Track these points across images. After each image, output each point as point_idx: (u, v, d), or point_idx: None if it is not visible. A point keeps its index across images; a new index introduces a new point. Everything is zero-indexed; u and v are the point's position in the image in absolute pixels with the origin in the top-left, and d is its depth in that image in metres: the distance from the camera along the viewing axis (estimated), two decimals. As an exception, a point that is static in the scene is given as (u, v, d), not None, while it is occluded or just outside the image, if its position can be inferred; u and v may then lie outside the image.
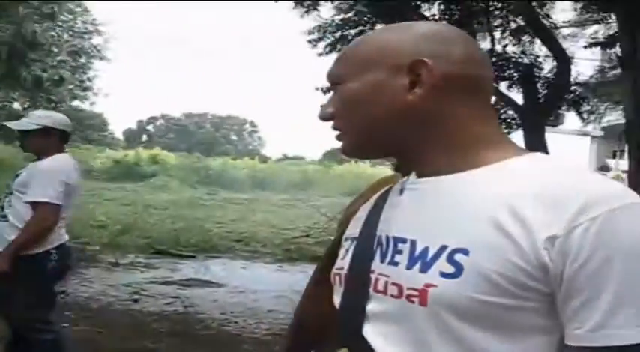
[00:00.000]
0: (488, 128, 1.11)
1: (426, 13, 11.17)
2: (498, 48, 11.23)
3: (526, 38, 11.30)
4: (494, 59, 10.86)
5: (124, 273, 8.85)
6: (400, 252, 1.05)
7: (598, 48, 11.76)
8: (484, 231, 0.96)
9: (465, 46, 1.12)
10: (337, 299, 1.16)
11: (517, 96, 10.71)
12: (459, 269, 0.96)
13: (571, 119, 13.93)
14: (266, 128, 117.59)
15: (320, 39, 11.16)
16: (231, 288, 8.54)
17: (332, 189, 28.30)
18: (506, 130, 11.70)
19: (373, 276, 1.08)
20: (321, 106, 1.18)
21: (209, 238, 12.79)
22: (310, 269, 7.74)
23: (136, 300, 7.41)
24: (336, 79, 1.16)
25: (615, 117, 18.82)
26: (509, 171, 1.03)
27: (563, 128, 17.72)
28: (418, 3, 10.83)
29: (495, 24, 11.22)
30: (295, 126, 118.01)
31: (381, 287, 1.06)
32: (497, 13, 10.88)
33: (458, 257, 0.96)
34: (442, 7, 10.90)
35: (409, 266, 1.02)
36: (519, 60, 10.81)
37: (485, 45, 11.15)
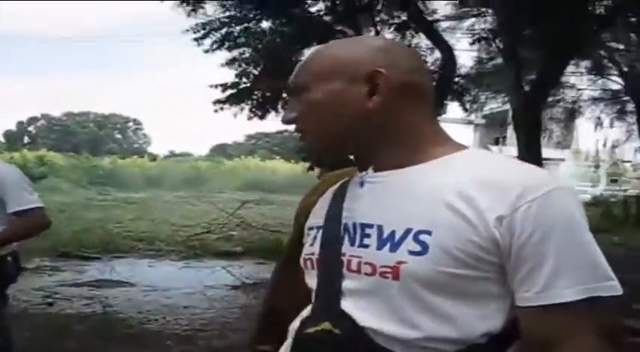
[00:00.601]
0: (434, 127, 1.28)
1: (311, 9, 11.46)
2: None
3: (409, 32, 11.76)
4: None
5: (32, 278, 8.68)
6: (368, 236, 1.18)
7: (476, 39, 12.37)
8: (442, 214, 1.11)
9: (410, 57, 1.30)
10: (311, 281, 1.29)
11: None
12: (424, 248, 1.10)
13: (454, 109, 14.57)
14: (150, 126, 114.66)
15: (205, 36, 11.31)
16: (143, 287, 8.57)
17: (225, 185, 28.41)
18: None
19: (345, 258, 1.20)
20: (285, 111, 1.33)
21: (111, 239, 12.67)
22: (217, 264, 8.13)
23: (50, 304, 7.38)
24: (298, 88, 1.28)
25: (496, 105, 19.88)
26: (455, 163, 1.19)
27: (447, 117, 18.58)
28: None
29: (379, 19, 11.53)
30: (181, 122, 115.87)
31: (354, 267, 1.18)
32: (380, 8, 11.19)
33: (422, 237, 1.11)
34: (328, 2, 11.19)
35: (379, 247, 1.15)
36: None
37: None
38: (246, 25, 11.37)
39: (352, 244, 1.21)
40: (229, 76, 12.08)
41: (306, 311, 1.28)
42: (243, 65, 12.07)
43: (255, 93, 12.15)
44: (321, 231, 1.29)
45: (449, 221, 1.10)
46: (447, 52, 10.17)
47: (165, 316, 6.96)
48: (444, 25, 13.29)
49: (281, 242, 12.36)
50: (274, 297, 1.88)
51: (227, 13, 11.30)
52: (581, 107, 21.68)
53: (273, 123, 20.82)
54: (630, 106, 21.02)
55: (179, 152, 54.36)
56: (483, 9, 11.60)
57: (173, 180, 29.46)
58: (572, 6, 8.62)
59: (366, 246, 1.18)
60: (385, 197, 1.22)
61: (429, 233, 1.11)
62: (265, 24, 11.48)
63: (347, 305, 1.18)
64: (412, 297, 1.12)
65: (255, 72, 12.05)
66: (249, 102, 12.03)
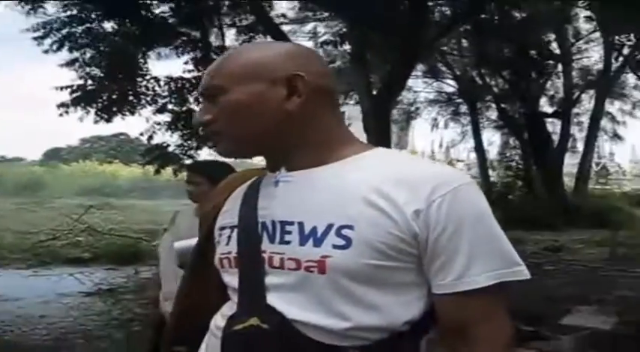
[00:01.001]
0: (343, 128, 1.33)
1: (155, 10, 11.25)
2: (229, 45, 11.62)
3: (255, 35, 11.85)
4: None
5: None
6: (289, 233, 1.20)
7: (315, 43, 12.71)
8: (362, 209, 1.16)
9: (321, 62, 1.36)
10: (230, 279, 1.29)
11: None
12: (348, 242, 1.15)
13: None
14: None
15: (45, 36, 10.88)
16: (-8, 298, 8.17)
17: (64, 190, 27.30)
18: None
19: (266, 255, 1.22)
20: (197, 114, 1.33)
21: (-50, 247, 11.94)
22: (66, 271, 8.01)
23: None
24: (214, 90, 1.27)
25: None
26: (366, 161, 1.25)
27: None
28: (142, 1, 10.83)
29: (227, 21, 11.61)
30: (11, 126, 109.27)
31: (276, 263, 1.20)
32: (226, 10, 11.25)
33: (345, 232, 1.15)
34: (172, 4, 11.04)
35: (302, 243, 1.18)
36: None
37: (218, 42, 11.57)
38: (88, 25, 11.03)
39: (272, 241, 1.23)
40: (69, 78, 11.68)
41: (227, 308, 1.29)
42: (85, 67, 11.71)
43: (102, 95, 11.82)
44: (236, 230, 1.30)
45: (370, 216, 1.15)
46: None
47: (21, 326, 6.73)
48: (286, 28, 13.56)
49: (129, 247, 12.23)
50: (186, 297, 1.78)
51: (68, 13, 10.89)
52: (418, 109, 22.83)
53: (109, 126, 20.19)
54: (464, 108, 22.34)
55: (11, 157, 51.32)
56: (326, 13, 11.90)
57: (7, 186, 27.93)
58: (414, 13, 9.13)
59: (288, 242, 1.20)
60: (302, 195, 1.24)
61: (351, 227, 1.15)
62: (108, 25, 11.18)
63: (273, 300, 1.19)
64: (338, 289, 1.15)
65: (101, 74, 11.73)
66: (95, 104, 11.68)
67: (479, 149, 22.16)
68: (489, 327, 1.19)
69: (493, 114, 21.90)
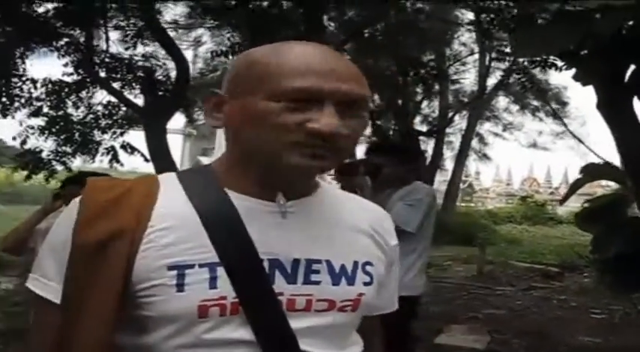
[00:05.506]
0: None
1: (38, 9, 10.72)
2: (114, 49, 11.36)
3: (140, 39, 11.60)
4: (108, 60, 11.02)
5: None
6: (317, 272, 1.14)
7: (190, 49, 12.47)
8: (371, 245, 1.25)
9: None
10: (227, 331, 1.09)
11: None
12: (371, 278, 1.21)
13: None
14: None
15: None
16: None
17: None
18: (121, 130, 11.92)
19: (284, 298, 1.10)
20: (329, 121, 1.06)
21: None
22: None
23: None
24: (362, 103, 1.11)
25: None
26: (336, 194, 1.31)
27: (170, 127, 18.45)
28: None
29: (112, 24, 11.27)
30: None
31: (300, 306, 1.11)
32: (113, 13, 10.86)
33: (368, 268, 1.21)
34: (57, 4, 10.57)
35: (336, 283, 1.16)
36: (136, 62, 11.07)
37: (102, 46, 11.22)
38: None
39: (292, 282, 1.12)
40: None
41: None
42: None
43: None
44: (221, 269, 1.09)
45: (377, 252, 1.26)
46: (182, 62, 10.22)
47: None
48: (172, 34, 13.35)
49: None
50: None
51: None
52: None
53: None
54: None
55: None
56: (212, 22, 11.82)
57: None
58: (309, 27, 9.26)
59: (317, 283, 1.14)
60: (316, 230, 1.18)
61: (371, 264, 1.22)
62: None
63: (305, 346, 1.11)
64: (356, 323, 1.23)
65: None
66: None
67: (350, 165, 22.41)
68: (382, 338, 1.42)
69: (367, 129, 22.28)
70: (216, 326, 1.08)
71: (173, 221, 1.12)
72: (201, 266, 1.08)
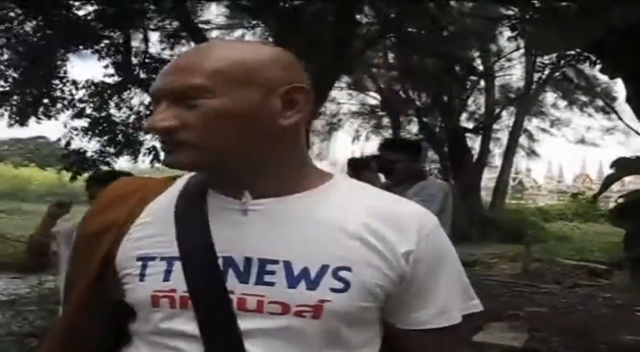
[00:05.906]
0: (306, 152, 1.19)
1: (79, 12, 10.92)
2: (153, 50, 11.53)
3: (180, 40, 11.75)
4: (148, 61, 11.16)
5: None
6: (272, 273, 1.06)
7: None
8: (358, 249, 1.08)
9: (304, 73, 1.15)
10: (176, 323, 1.09)
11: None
12: (347, 285, 1.05)
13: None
14: None
15: None
16: None
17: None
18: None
19: (234, 296, 1.06)
20: (153, 118, 1.07)
21: None
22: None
23: None
24: (193, 91, 1.04)
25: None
26: (340, 193, 1.15)
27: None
28: (71, 2, 10.55)
29: (151, 26, 11.50)
30: None
31: (251, 306, 1.06)
32: (151, 14, 11.00)
33: (343, 274, 1.06)
34: (96, 7, 10.79)
35: (292, 285, 1.05)
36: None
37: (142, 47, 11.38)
38: (7, 25, 10.67)
39: (244, 281, 1.07)
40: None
41: None
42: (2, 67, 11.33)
43: (15, 98, 11.43)
44: (178, 263, 1.09)
45: (366, 257, 1.08)
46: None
47: None
48: (213, 34, 13.48)
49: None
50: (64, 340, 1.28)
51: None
52: (340, 120, 23.02)
53: (29, 129, 19.45)
54: (386, 121, 22.64)
55: None
56: (254, 22, 11.87)
57: None
58: (342, 26, 9.20)
59: (271, 284, 1.06)
60: (282, 229, 1.10)
61: (349, 269, 1.07)
62: (29, 25, 10.82)
63: (253, 347, 1.05)
64: (329, 333, 1.07)
65: (15, 75, 11.35)
66: (10, 107, 11.28)
67: (399, 162, 22.35)
68: None
69: (414, 127, 22.23)
70: (168, 317, 1.09)
71: (153, 216, 1.17)
72: (162, 259, 1.11)
